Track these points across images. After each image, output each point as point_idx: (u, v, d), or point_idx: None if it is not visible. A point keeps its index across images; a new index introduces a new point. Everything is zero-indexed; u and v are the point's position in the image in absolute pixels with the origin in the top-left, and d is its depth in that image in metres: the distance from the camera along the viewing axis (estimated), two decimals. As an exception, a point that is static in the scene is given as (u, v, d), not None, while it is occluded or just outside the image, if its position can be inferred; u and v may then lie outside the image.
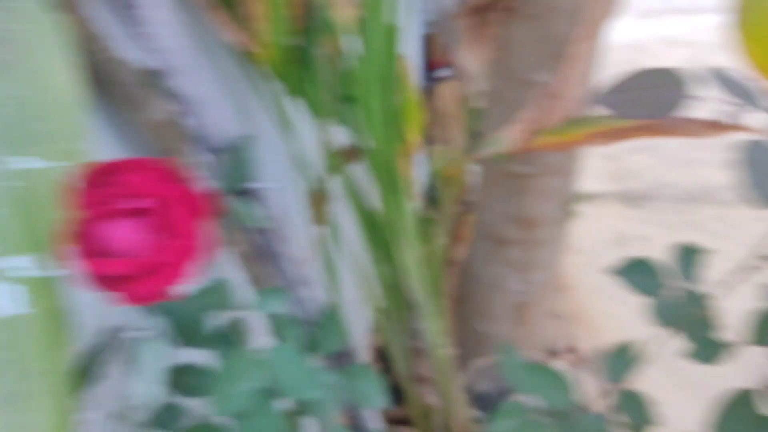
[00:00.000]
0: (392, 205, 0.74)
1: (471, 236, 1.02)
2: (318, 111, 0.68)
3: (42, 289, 0.38)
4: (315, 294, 0.57)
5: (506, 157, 0.86)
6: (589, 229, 1.71)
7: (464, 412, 1.03)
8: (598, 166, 2.01)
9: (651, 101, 0.69)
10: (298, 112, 0.66)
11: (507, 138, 0.66)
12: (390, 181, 0.71)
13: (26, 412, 0.37)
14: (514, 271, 1.00)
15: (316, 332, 0.54)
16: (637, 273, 0.60)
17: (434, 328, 0.90)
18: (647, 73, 0.70)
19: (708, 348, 0.57)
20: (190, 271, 0.28)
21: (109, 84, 0.50)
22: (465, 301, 1.09)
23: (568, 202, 0.92)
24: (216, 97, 0.44)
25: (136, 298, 0.27)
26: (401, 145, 0.73)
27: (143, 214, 0.28)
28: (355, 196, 0.73)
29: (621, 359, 0.61)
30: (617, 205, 1.84)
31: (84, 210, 0.27)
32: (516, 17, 0.78)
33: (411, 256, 0.81)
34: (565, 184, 0.90)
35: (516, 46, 0.81)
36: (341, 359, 0.60)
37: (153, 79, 0.56)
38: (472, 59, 0.82)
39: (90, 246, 0.28)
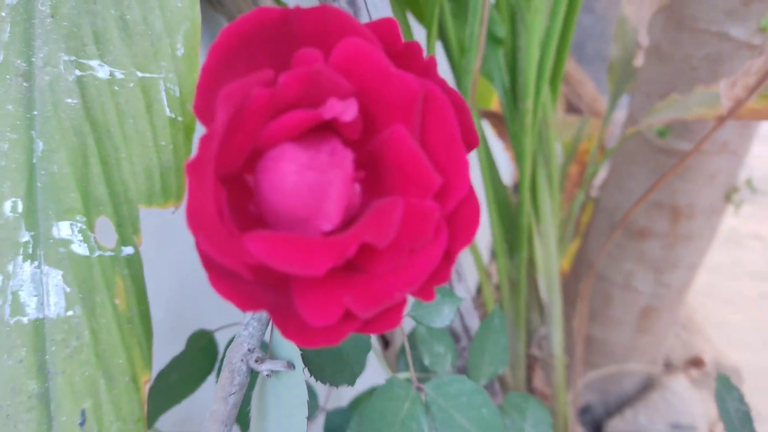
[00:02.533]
0: (536, 181, 0.58)
1: (595, 226, 0.86)
2: (458, 53, 0.53)
3: (110, 273, 0.25)
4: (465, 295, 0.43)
5: (668, 130, 0.69)
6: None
7: (573, 430, 0.88)
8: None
9: None
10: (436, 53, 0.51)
11: (712, 100, 0.50)
12: (541, 149, 0.56)
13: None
14: (649, 270, 0.83)
15: (476, 350, 0.39)
16: None
17: (559, 336, 0.75)
18: None
19: None
20: (441, 272, 0.14)
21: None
22: (580, 302, 0.94)
23: (733, 189, 0.75)
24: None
25: (323, 327, 0.13)
26: (554, 108, 0.58)
27: (345, 135, 0.14)
28: (489, 169, 0.58)
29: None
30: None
31: (226, 119, 0.13)
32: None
33: (546, 245, 0.66)
34: (734, 166, 0.73)
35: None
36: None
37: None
38: (636, 5, 0.65)
39: (236, 198, 0.14)
